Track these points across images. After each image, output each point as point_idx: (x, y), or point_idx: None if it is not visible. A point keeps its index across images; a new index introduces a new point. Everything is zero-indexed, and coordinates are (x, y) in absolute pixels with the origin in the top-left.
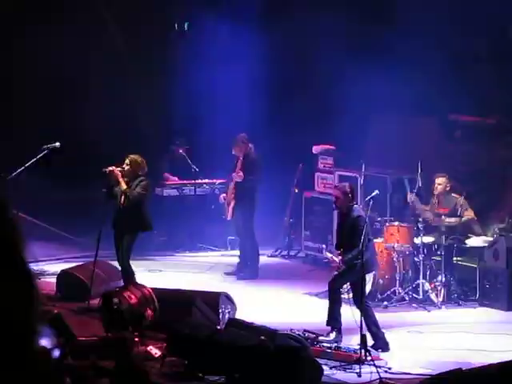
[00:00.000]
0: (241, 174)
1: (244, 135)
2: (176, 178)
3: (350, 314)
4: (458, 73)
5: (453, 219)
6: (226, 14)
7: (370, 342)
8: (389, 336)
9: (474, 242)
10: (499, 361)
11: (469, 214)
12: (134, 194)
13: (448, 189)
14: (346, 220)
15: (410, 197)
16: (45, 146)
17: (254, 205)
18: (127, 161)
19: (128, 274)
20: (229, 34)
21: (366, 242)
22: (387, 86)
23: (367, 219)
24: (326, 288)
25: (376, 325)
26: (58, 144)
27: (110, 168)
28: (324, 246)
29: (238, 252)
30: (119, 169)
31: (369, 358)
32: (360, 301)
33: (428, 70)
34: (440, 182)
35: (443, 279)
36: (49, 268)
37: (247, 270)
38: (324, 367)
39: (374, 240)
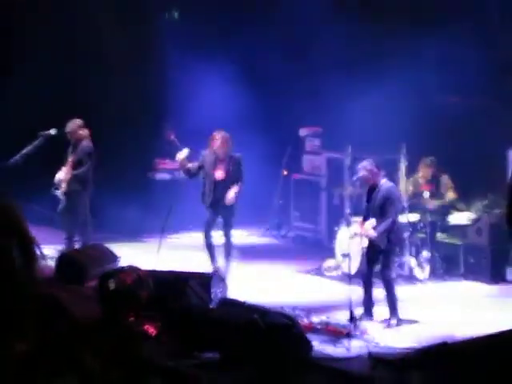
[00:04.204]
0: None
1: (76, 121)
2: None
3: (339, 290)
4: (445, 54)
5: (437, 201)
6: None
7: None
8: (375, 311)
9: (457, 219)
10: (485, 334)
11: (450, 196)
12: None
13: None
14: (376, 193)
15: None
16: (41, 133)
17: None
18: None
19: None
20: (216, 21)
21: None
22: (373, 67)
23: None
24: (315, 266)
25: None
26: (53, 131)
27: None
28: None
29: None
30: None
31: (357, 333)
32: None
33: (414, 54)
34: (426, 169)
35: (428, 255)
36: (47, 252)
37: None
38: (314, 342)
39: (360, 219)
